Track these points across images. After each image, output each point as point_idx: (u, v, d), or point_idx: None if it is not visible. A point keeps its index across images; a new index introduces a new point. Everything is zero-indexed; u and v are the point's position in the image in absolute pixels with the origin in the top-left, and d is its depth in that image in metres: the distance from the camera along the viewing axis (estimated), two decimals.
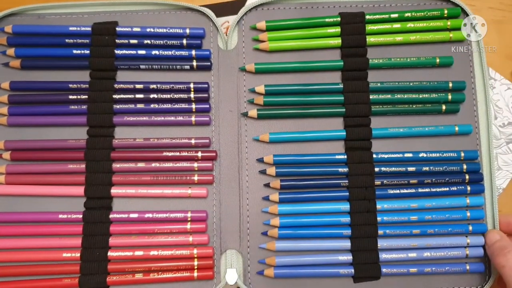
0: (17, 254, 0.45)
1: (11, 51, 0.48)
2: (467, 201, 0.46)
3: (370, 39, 0.48)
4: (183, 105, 0.47)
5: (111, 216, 0.45)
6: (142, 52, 0.47)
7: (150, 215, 0.45)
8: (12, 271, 0.44)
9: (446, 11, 0.48)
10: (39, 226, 0.45)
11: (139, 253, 0.45)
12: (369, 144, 0.47)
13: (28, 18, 0.49)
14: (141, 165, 0.46)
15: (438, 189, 0.46)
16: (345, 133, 0.47)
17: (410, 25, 0.48)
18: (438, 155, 0.47)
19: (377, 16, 0.48)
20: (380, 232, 0.45)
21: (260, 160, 0.47)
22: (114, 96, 0.47)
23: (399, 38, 0.48)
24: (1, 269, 0.44)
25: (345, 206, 0.46)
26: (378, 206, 0.46)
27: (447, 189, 0.46)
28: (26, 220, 0.45)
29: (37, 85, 0.47)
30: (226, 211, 0.46)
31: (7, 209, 0.46)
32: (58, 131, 0.47)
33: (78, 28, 0.48)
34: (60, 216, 0.45)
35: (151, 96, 0.47)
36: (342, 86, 0.47)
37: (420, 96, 0.47)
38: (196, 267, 0.45)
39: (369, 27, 0.48)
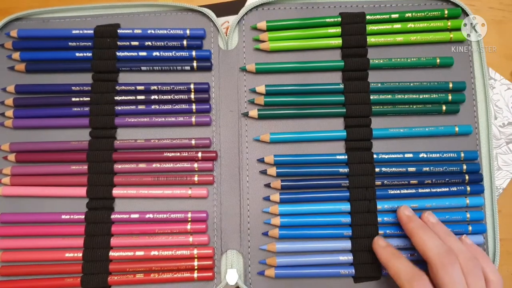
0: (20, 254, 0.45)
1: (16, 55, 0.48)
2: (467, 202, 0.46)
3: (371, 39, 0.48)
4: (184, 106, 0.47)
5: (112, 216, 0.46)
6: (143, 53, 0.48)
7: (151, 216, 0.45)
8: (15, 271, 0.45)
9: (446, 12, 0.48)
10: (42, 226, 0.46)
11: (140, 253, 0.45)
12: (370, 144, 0.47)
13: (33, 22, 0.50)
14: (142, 166, 0.46)
15: (438, 190, 0.46)
16: (345, 133, 0.47)
17: (410, 25, 0.48)
18: (438, 155, 0.46)
19: (378, 17, 0.48)
20: (381, 232, 0.45)
21: (261, 160, 0.47)
22: (116, 98, 0.47)
23: (399, 38, 0.48)
24: (5, 268, 0.45)
25: (346, 207, 0.46)
26: (379, 207, 0.46)
27: (447, 189, 0.46)
28: (30, 220, 0.46)
29: (41, 88, 0.48)
30: (226, 211, 0.46)
31: (13, 209, 0.46)
32: (61, 133, 0.48)
33: (81, 31, 0.48)
34: (63, 216, 0.46)
35: (152, 97, 0.47)
36: (342, 87, 0.47)
37: (421, 97, 0.47)
38: (196, 268, 0.45)
39: (370, 27, 0.48)
